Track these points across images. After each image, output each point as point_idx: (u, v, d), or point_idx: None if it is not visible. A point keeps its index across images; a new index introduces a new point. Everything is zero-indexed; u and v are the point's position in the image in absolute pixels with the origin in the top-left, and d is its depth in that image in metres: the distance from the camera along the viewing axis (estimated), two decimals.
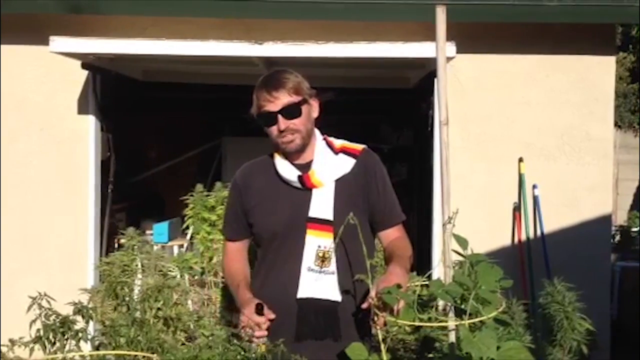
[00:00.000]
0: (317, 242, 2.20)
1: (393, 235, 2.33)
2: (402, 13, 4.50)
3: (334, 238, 2.17)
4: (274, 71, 2.33)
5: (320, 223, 2.21)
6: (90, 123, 4.77)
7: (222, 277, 3.74)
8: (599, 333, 3.39)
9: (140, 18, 4.72)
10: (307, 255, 2.20)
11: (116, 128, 5.12)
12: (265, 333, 2.06)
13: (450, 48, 4.03)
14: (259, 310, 2.09)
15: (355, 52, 4.28)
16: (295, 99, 2.21)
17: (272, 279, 2.26)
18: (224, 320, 3.02)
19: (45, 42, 4.24)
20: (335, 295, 2.20)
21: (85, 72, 4.70)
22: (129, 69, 5.33)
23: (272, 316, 2.11)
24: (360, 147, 2.36)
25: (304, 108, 2.24)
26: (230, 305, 3.38)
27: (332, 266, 2.20)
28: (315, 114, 2.30)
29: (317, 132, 2.34)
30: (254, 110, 2.27)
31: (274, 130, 2.23)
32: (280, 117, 2.20)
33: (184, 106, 7.08)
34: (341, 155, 2.31)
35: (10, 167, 4.76)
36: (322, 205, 2.22)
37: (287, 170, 2.27)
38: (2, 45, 4.70)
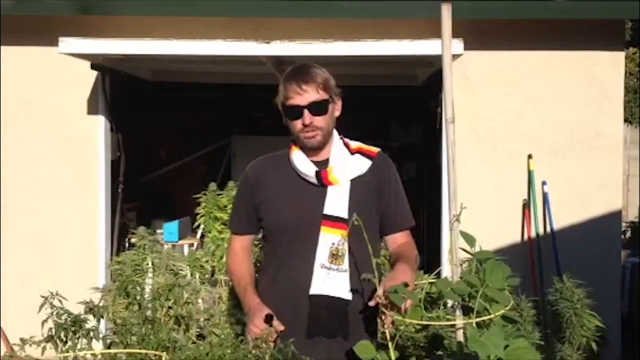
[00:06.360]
0: (331, 239, 2.18)
1: (400, 240, 2.33)
2: (409, 10, 4.49)
3: (348, 236, 2.15)
4: (304, 64, 2.31)
5: (335, 221, 2.19)
6: (100, 123, 4.80)
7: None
8: (610, 330, 3.38)
9: (149, 18, 4.74)
10: (320, 252, 2.19)
11: (126, 128, 5.15)
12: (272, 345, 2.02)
13: (457, 45, 4.02)
14: (268, 321, 2.07)
15: (363, 50, 4.28)
16: (323, 95, 2.21)
17: (283, 275, 2.25)
18: (234, 318, 3.03)
19: (55, 43, 4.27)
20: (346, 294, 2.19)
21: (95, 73, 4.72)
22: (138, 69, 5.35)
23: (282, 328, 2.09)
24: (375, 150, 2.35)
25: (330, 106, 2.24)
26: (239, 303, 3.39)
27: (345, 264, 2.19)
28: (337, 112, 2.30)
29: (334, 131, 2.33)
30: (280, 100, 2.25)
31: (297, 124, 2.22)
32: (306, 112, 2.19)
33: (193, 105, 7.10)
34: (357, 155, 2.31)
35: (21, 168, 4.79)
36: (337, 203, 2.22)
37: (304, 165, 2.26)
38: (12, 47, 4.73)
